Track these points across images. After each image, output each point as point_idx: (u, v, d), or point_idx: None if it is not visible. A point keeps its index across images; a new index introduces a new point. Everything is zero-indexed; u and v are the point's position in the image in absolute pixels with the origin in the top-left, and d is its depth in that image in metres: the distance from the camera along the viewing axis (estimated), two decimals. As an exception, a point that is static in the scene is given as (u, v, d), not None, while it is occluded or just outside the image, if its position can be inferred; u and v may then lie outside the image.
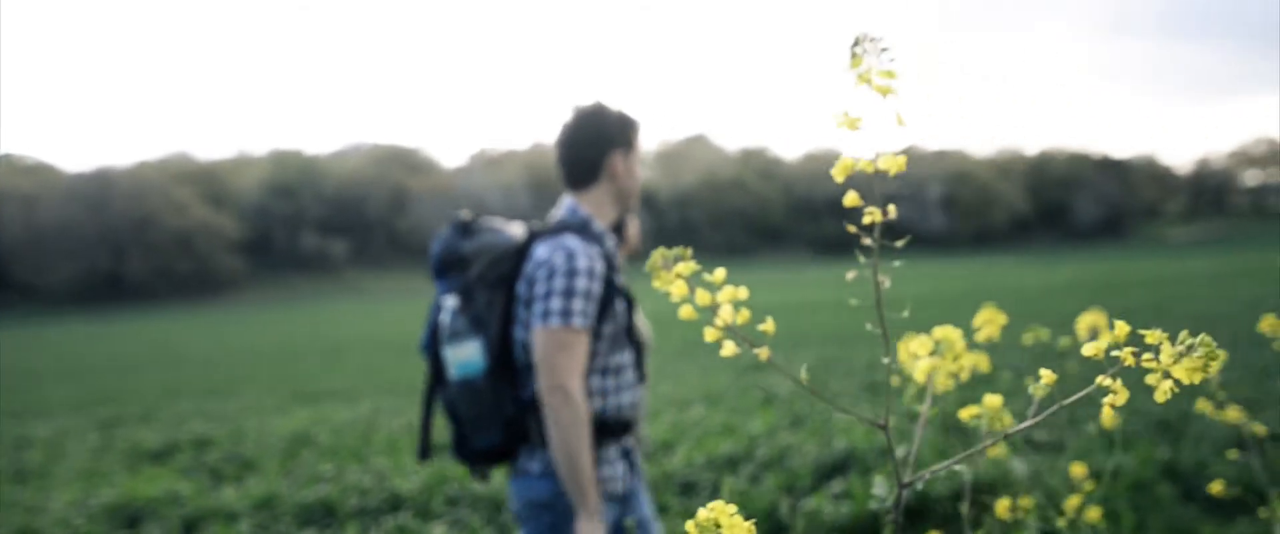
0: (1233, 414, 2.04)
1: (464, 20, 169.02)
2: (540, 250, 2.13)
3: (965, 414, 1.58)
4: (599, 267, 2.12)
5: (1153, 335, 0.88)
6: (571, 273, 2.08)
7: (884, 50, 0.96)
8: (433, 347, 2.21)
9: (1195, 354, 0.87)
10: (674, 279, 1.01)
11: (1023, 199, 64.74)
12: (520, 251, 2.17)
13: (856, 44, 0.96)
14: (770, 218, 64.80)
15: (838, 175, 1.01)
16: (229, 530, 4.75)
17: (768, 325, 1.01)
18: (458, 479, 5.38)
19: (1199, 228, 61.63)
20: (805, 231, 64.37)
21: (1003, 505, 1.85)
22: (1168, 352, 0.87)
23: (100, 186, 52.89)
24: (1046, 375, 1.05)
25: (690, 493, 5.12)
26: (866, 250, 1.04)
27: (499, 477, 4.42)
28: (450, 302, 2.13)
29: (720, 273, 1.03)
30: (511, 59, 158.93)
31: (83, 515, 5.19)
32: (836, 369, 9.86)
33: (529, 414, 2.12)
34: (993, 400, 1.60)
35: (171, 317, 38.70)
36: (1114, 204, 64.01)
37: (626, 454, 2.23)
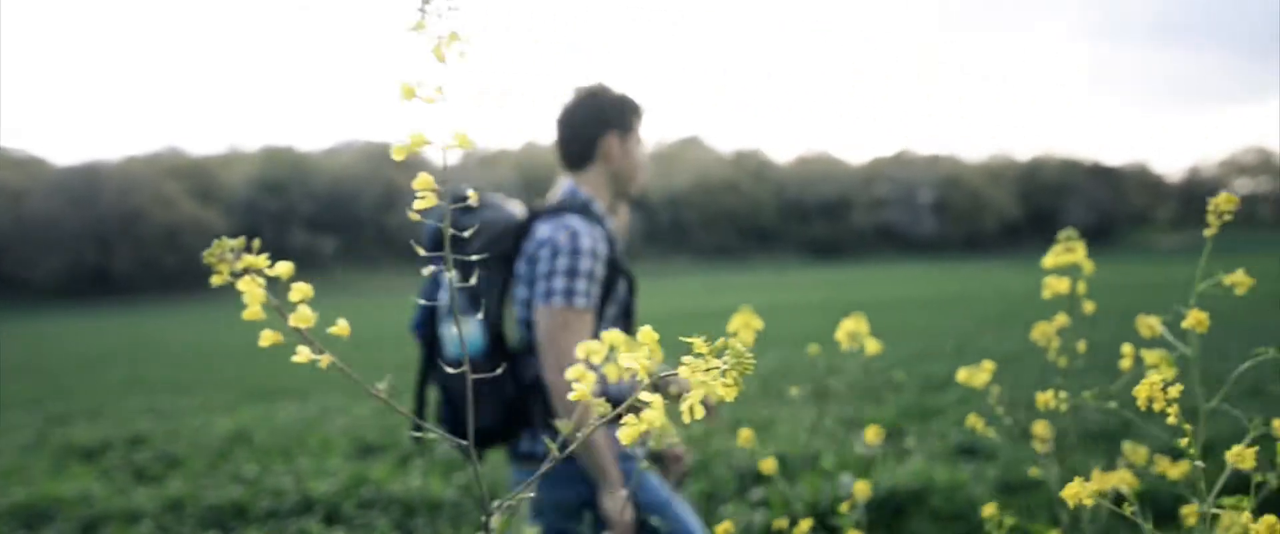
0: (1040, 429, 1.92)
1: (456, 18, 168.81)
2: (542, 229, 2.11)
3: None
4: (602, 247, 2.10)
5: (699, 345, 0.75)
6: (575, 252, 2.05)
7: (454, 10, 0.83)
8: (426, 326, 2.15)
9: (726, 367, 0.74)
10: (229, 276, 0.87)
11: (1014, 204, 64.71)
12: (520, 230, 2.15)
13: (424, 2, 0.83)
14: (762, 220, 64.71)
15: (397, 155, 0.88)
16: (128, 532, 4.61)
17: (339, 328, 0.88)
18: (375, 482, 5.25)
19: (1188, 235, 61.68)
20: (796, 233, 64.31)
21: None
22: (697, 366, 0.75)
23: (88, 180, 52.65)
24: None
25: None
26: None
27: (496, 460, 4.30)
28: (451, 280, 2.02)
29: (284, 267, 0.90)
30: (505, 58, 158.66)
31: (-9, 514, 5.05)
32: (795, 373, 9.73)
33: (530, 395, 2.08)
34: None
35: (155, 311, 38.53)
36: (1104, 210, 63.98)
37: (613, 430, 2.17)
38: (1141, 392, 1.15)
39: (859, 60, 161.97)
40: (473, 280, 2.02)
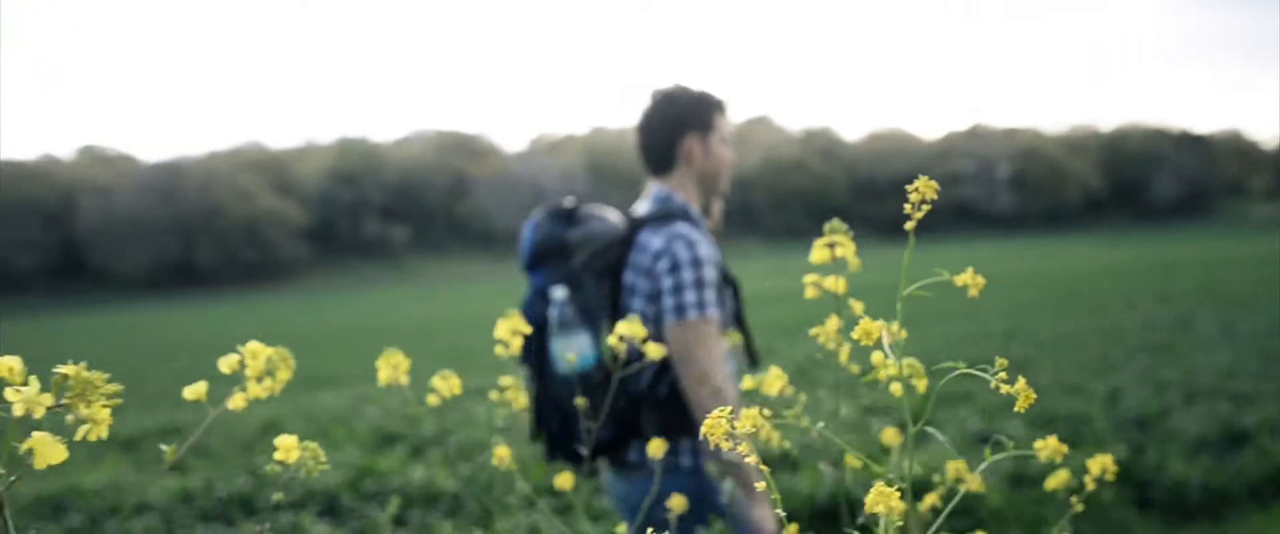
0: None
1: (525, 5, 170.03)
2: (654, 240, 2.07)
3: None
4: (716, 254, 2.08)
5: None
6: (696, 263, 2.03)
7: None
8: (533, 341, 2.06)
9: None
10: None
11: (1096, 177, 62.44)
12: (625, 240, 2.11)
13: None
14: (833, 199, 63.73)
15: None
16: (135, 523, 4.69)
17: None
18: (381, 474, 5.25)
19: (1287, 205, 58.72)
20: (868, 213, 63.16)
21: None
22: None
23: (172, 176, 54.59)
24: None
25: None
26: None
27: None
28: (559, 292, 2.05)
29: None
30: (571, 43, 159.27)
31: (13, 507, 5.19)
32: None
33: (641, 406, 2.06)
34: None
35: (234, 302, 39.78)
36: (1194, 181, 61.30)
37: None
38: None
39: (931, 31, 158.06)
40: (583, 293, 2.07)
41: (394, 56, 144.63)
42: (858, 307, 1.14)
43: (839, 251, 1.17)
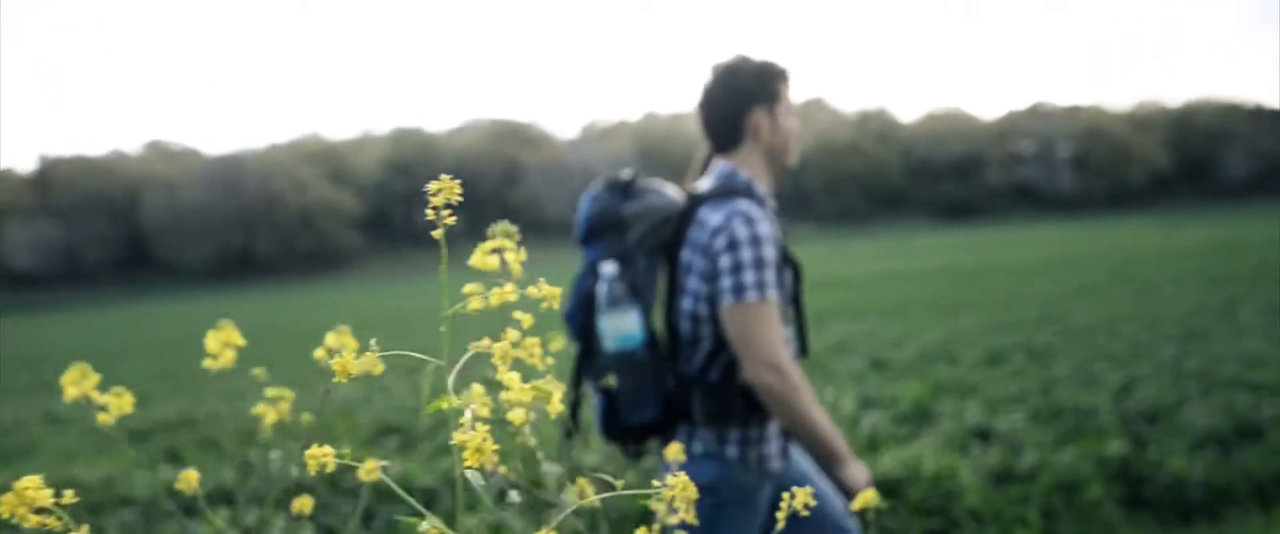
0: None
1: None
2: (713, 217, 1.98)
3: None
4: (777, 232, 2.01)
5: None
6: (756, 241, 1.94)
7: None
8: (580, 316, 2.06)
9: None
10: None
11: (1163, 155, 60.41)
12: (684, 216, 2.03)
13: None
14: (888, 182, 62.76)
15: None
16: (112, 517, 4.75)
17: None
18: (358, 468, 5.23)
19: (1368, 181, 56.10)
20: (925, 195, 62.05)
21: None
22: None
23: (233, 169, 55.93)
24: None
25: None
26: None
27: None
28: (609, 268, 1.97)
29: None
30: (622, 28, 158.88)
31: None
32: (858, 345, 9.27)
33: (692, 390, 1.99)
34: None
35: (290, 291, 40.63)
36: (1269, 158, 58.92)
37: (785, 434, 2.09)
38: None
39: (990, 4, 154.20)
40: (634, 269, 2.03)
41: (450, 47, 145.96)
42: (527, 319, 0.99)
43: (507, 257, 1.02)
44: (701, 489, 1.91)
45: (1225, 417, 5.04)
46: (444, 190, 0.79)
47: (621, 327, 1.95)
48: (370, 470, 1.37)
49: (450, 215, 0.80)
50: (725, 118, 2.10)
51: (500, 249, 1.02)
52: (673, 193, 2.10)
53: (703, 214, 2.01)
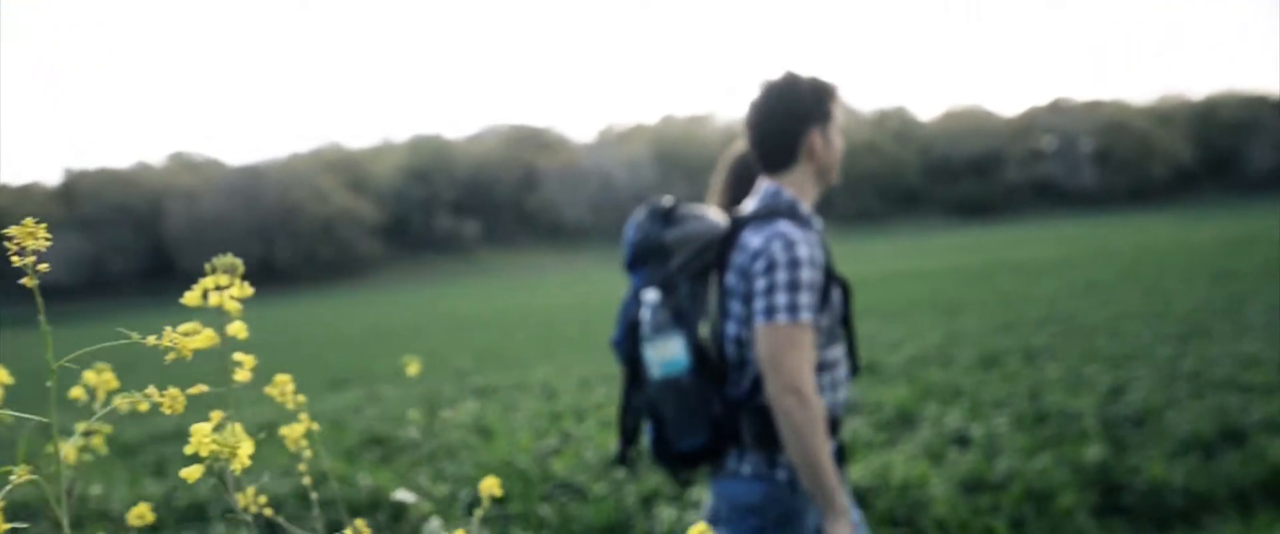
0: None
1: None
2: (753, 239, 1.99)
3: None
4: (819, 254, 1.99)
5: None
6: (793, 264, 1.93)
7: None
8: (627, 343, 2.08)
9: None
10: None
11: (1187, 149, 59.63)
12: (726, 240, 2.04)
13: None
14: (905, 181, 62.34)
15: None
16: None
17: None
18: (331, 482, 5.22)
19: (1397, 172, 55.07)
20: (943, 194, 61.59)
21: None
22: None
23: (253, 179, 56.41)
24: None
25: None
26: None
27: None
28: (651, 295, 1.99)
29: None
30: (638, 31, 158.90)
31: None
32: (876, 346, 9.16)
33: (740, 414, 2.00)
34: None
35: (307, 300, 40.90)
36: (1296, 150, 58.03)
37: (837, 453, 2.08)
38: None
39: (1008, 1, 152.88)
40: (677, 295, 2.05)
41: (467, 53, 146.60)
42: (249, 361, 0.93)
43: (225, 299, 0.92)
44: (749, 510, 2.03)
45: (1212, 420, 4.93)
46: (27, 235, 0.73)
47: (666, 353, 1.96)
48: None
49: (42, 265, 0.74)
50: (780, 138, 2.08)
51: (222, 287, 0.95)
52: (715, 216, 2.10)
53: (744, 237, 2.01)
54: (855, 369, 2.12)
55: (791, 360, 1.89)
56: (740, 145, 2.64)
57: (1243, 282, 12.08)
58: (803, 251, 1.94)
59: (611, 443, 5.48)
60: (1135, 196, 56.90)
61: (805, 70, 2.12)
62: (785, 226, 1.97)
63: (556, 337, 14.54)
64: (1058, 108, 65.42)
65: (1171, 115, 62.38)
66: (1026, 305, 11.75)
